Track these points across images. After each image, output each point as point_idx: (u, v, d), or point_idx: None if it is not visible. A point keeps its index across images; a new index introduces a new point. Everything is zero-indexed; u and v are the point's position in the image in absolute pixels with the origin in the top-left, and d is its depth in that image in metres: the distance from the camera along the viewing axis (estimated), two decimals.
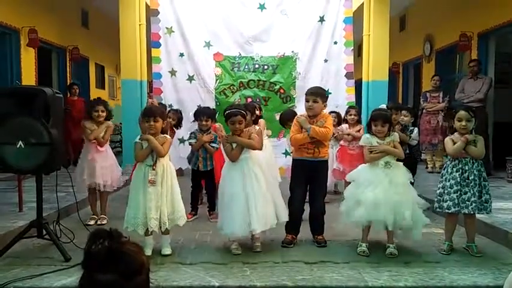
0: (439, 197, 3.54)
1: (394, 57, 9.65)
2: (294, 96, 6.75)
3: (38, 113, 3.20)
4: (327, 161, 3.83)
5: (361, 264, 3.21)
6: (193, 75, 6.75)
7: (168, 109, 5.72)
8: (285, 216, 3.60)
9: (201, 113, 4.78)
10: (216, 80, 6.76)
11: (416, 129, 4.68)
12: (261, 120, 5.24)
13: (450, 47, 8.47)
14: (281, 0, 6.76)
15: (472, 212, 3.41)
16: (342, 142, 5.53)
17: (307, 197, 3.87)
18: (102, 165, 4.36)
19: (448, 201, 3.43)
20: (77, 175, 4.36)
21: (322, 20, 6.80)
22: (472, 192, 3.38)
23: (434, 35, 9.17)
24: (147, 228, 3.34)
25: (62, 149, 3.41)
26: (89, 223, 4.28)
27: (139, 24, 7.11)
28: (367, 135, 3.63)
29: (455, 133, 3.52)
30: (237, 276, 2.96)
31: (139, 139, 3.46)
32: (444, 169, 3.58)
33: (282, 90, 6.72)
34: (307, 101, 3.72)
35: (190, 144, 4.77)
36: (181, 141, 6.45)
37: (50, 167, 3.28)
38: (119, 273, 1.12)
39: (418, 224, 3.45)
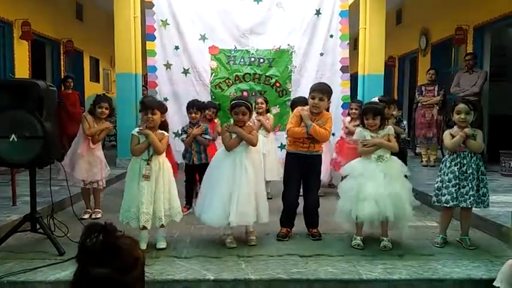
0: (437, 191, 3.53)
1: (390, 51, 9.64)
2: (290, 89, 6.74)
3: (31, 106, 3.17)
4: (321, 155, 3.83)
5: (356, 257, 3.22)
6: (188, 69, 6.72)
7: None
8: (265, 218, 3.54)
9: (191, 106, 4.75)
10: (212, 73, 6.73)
11: (405, 122, 4.69)
12: (270, 116, 5.26)
13: (446, 41, 8.46)
14: None
15: (470, 206, 3.43)
16: (341, 134, 5.54)
17: (302, 191, 3.87)
18: (89, 161, 4.31)
19: (447, 195, 3.43)
20: (64, 165, 4.31)
21: (318, 13, 6.78)
22: (470, 186, 3.39)
23: (430, 28, 9.16)
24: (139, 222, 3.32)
25: (55, 143, 3.38)
26: (83, 217, 4.26)
27: (134, 17, 7.05)
28: (361, 129, 3.62)
29: (454, 126, 3.52)
30: (232, 270, 2.96)
31: (138, 132, 3.43)
32: (443, 163, 3.58)
33: (278, 84, 6.71)
34: (312, 98, 3.63)
35: (182, 140, 4.75)
36: (177, 134, 6.43)
37: (44, 160, 3.26)
38: (113, 268, 1.11)
39: (404, 219, 3.44)
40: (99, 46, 11.14)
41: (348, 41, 6.89)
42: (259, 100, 5.30)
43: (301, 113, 3.70)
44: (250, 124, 3.65)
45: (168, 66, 6.73)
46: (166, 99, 6.49)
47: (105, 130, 4.43)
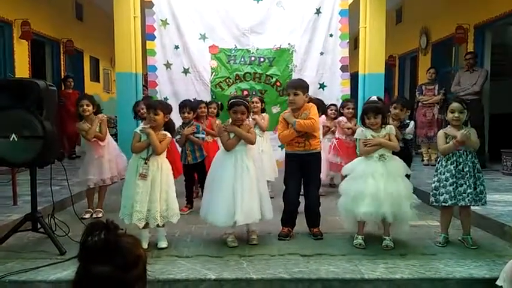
0: (434, 191, 3.53)
1: (390, 50, 9.63)
2: None
3: (31, 105, 3.16)
4: (319, 153, 3.81)
5: (358, 256, 3.22)
6: (188, 68, 6.71)
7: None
8: (269, 215, 3.55)
9: (184, 106, 4.74)
10: (212, 72, 6.72)
11: (412, 123, 4.66)
12: (265, 115, 5.25)
13: (446, 40, 8.45)
14: None
15: (468, 204, 3.42)
16: (337, 134, 5.51)
17: (302, 190, 3.86)
18: (109, 159, 4.38)
19: (445, 194, 3.43)
20: (80, 174, 4.34)
21: (318, 12, 6.77)
22: (467, 184, 3.38)
23: (431, 27, 9.15)
24: (146, 222, 3.32)
25: (56, 142, 3.38)
26: (84, 216, 4.25)
27: (134, 17, 7.03)
28: (362, 128, 3.61)
29: (448, 126, 3.52)
30: (233, 269, 2.95)
31: (140, 130, 3.42)
32: (438, 162, 3.57)
33: (278, 83, 6.70)
34: (288, 95, 3.67)
35: (176, 141, 4.75)
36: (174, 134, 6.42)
37: (44, 160, 3.25)
38: (115, 266, 1.11)
39: (405, 218, 3.43)
40: (99, 46, 11.12)
41: (348, 40, 6.88)
42: (255, 99, 5.29)
43: (283, 115, 3.73)
44: (247, 123, 3.63)
45: (168, 65, 6.72)
46: (166, 99, 6.47)
47: (102, 123, 4.39)
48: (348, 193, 3.49)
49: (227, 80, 6.73)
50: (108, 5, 7.22)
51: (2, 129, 3.14)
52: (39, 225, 3.34)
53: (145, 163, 3.34)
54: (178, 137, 4.66)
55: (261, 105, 5.21)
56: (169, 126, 3.57)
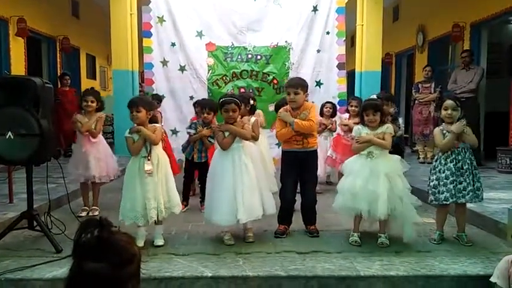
0: (433, 189, 3.52)
1: (387, 48, 9.64)
2: None
3: (27, 103, 3.15)
4: (316, 151, 3.83)
5: (353, 253, 3.23)
6: (185, 65, 6.71)
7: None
8: (272, 209, 3.57)
9: (205, 105, 4.66)
10: (209, 70, 6.72)
11: (400, 119, 4.68)
12: (259, 111, 5.23)
13: (443, 38, 8.47)
14: None
15: (469, 202, 3.44)
16: (338, 130, 5.53)
17: (299, 188, 3.87)
18: (97, 157, 4.33)
19: (445, 193, 3.43)
20: (70, 168, 4.32)
21: (315, 9, 6.78)
22: (467, 181, 3.40)
23: (427, 25, 9.17)
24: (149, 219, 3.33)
25: (52, 140, 3.37)
26: (81, 214, 4.25)
27: (130, 14, 7.04)
28: (359, 126, 3.63)
29: (443, 123, 3.53)
30: (229, 267, 2.96)
31: (129, 133, 3.42)
32: (436, 161, 3.57)
33: (275, 81, 6.71)
34: (288, 93, 3.66)
35: (188, 133, 4.69)
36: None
37: (41, 158, 3.24)
38: (108, 263, 1.11)
39: (407, 219, 3.42)
40: (96, 43, 11.10)
41: (345, 38, 6.90)
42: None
43: (279, 114, 3.73)
44: (242, 119, 3.64)
45: (164, 63, 6.71)
46: (163, 96, 6.48)
47: (99, 121, 4.38)
48: (341, 190, 3.54)
49: (224, 78, 6.73)
50: (105, 2, 7.21)
51: None
52: (35, 223, 3.33)
53: (148, 159, 3.35)
54: (192, 131, 4.59)
55: (253, 103, 5.16)
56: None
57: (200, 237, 3.63)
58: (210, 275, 2.83)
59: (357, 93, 7.16)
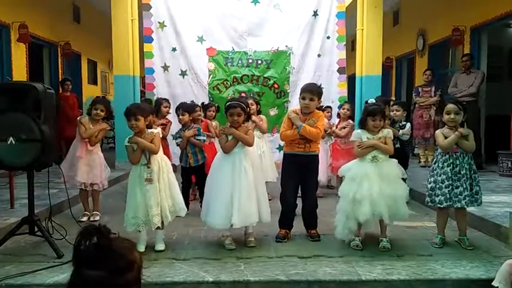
0: (430, 192, 3.54)
1: (387, 52, 9.66)
2: (288, 91, 6.75)
3: (29, 109, 3.16)
4: (317, 155, 3.83)
5: (355, 258, 3.22)
6: (186, 70, 6.73)
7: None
8: (267, 217, 3.55)
9: (178, 108, 4.78)
10: (209, 75, 6.74)
11: (408, 124, 4.68)
12: (263, 117, 5.26)
13: (443, 42, 8.49)
14: None
15: (464, 206, 3.44)
16: (333, 137, 5.55)
17: (300, 192, 3.87)
18: (89, 164, 4.32)
19: (440, 196, 3.44)
20: (64, 169, 4.30)
21: (315, 14, 6.80)
22: (464, 186, 3.40)
23: (427, 29, 9.19)
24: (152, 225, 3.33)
25: (53, 146, 3.38)
26: (82, 219, 4.25)
27: (132, 19, 7.06)
28: (359, 130, 3.63)
29: (445, 126, 3.54)
30: (231, 271, 2.96)
31: (129, 142, 3.42)
32: (435, 163, 3.58)
33: (276, 85, 6.72)
34: (303, 98, 3.65)
35: (177, 144, 4.76)
36: (175, 137, 6.42)
37: (42, 163, 3.25)
38: (107, 270, 1.11)
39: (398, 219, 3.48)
40: (97, 48, 11.14)
41: (345, 43, 6.92)
42: (250, 101, 5.28)
43: (289, 115, 3.73)
44: (246, 124, 3.64)
45: (165, 68, 6.74)
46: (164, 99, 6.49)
47: (102, 131, 4.42)
48: (346, 197, 3.48)
49: (225, 82, 6.74)
50: (106, 8, 7.24)
51: None
52: (36, 229, 3.33)
53: (148, 167, 3.35)
54: (179, 140, 4.67)
55: (257, 107, 5.22)
56: (149, 125, 3.55)
57: (201, 242, 3.63)
58: (211, 279, 2.83)
59: (357, 98, 7.17)
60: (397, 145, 4.19)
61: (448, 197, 3.42)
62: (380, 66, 7.26)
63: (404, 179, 3.60)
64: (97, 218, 4.39)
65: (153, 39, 6.73)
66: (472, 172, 3.45)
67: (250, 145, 3.56)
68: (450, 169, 3.43)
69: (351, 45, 10.38)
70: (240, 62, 6.77)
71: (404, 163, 3.94)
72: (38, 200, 3.78)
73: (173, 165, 5.26)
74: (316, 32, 6.82)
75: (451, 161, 3.44)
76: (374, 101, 4.13)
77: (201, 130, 4.73)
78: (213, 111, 5.34)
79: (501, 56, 8.33)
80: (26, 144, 3.14)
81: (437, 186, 3.47)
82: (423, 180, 5.66)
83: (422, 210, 4.52)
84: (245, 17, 6.75)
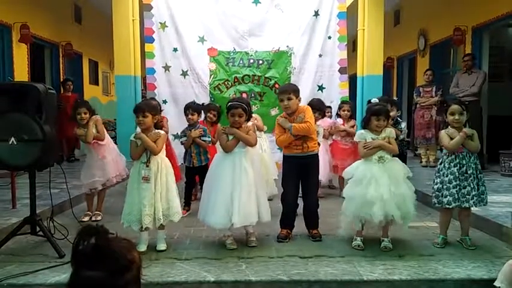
0: (437, 193, 3.51)
1: (388, 52, 9.66)
2: None
3: (30, 109, 3.17)
4: (317, 155, 3.82)
5: (356, 258, 3.22)
6: (187, 71, 6.74)
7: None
8: (267, 217, 3.54)
9: (187, 108, 4.76)
10: (211, 75, 6.75)
11: (404, 123, 4.67)
12: (256, 115, 5.24)
13: (444, 41, 8.48)
14: None
15: (473, 206, 3.44)
16: (334, 136, 5.52)
17: (301, 192, 3.86)
18: (112, 158, 4.41)
19: (448, 197, 3.42)
20: (84, 177, 4.32)
21: (316, 14, 6.80)
22: (472, 186, 3.39)
23: (429, 29, 9.18)
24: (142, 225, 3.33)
25: (55, 146, 3.39)
26: (83, 219, 4.25)
27: (133, 20, 7.07)
28: (362, 130, 3.61)
29: (449, 127, 3.53)
30: (232, 271, 2.96)
31: (134, 137, 3.43)
32: (441, 164, 3.56)
33: (277, 86, 6.72)
34: (281, 100, 3.67)
35: (182, 143, 4.76)
36: (176, 137, 6.42)
37: (43, 163, 3.26)
38: (105, 271, 1.11)
39: (406, 219, 3.45)
40: (98, 49, 11.14)
41: (346, 43, 6.91)
42: None
43: (278, 121, 3.75)
44: (247, 125, 3.63)
45: (166, 68, 6.74)
46: (165, 102, 6.51)
47: (97, 123, 4.38)
48: (353, 198, 3.44)
49: (226, 83, 6.75)
50: (107, 8, 7.25)
51: (1, 133, 3.14)
52: (38, 229, 3.34)
53: (147, 166, 3.36)
54: (184, 139, 4.67)
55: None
56: (159, 126, 3.57)
57: (202, 242, 3.63)
58: (212, 279, 2.83)
59: (358, 98, 7.17)
60: None
61: (457, 197, 3.40)
62: (381, 66, 7.26)
63: (408, 177, 3.58)
64: (99, 218, 4.39)
65: (154, 40, 6.74)
66: (478, 172, 3.44)
67: (252, 145, 3.55)
68: (457, 169, 3.42)
69: (352, 46, 10.37)
70: (241, 62, 6.77)
71: (402, 162, 3.92)
72: (40, 200, 3.79)
73: (178, 168, 5.28)
74: (317, 32, 6.82)
75: (457, 161, 3.43)
76: (377, 100, 4.12)
77: (208, 132, 4.72)
78: (214, 115, 5.09)
79: (503, 56, 8.31)
80: (27, 145, 3.15)
81: (445, 186, 3.45)
82: (425, 180, 5.67)
83: (424, 210, 4.51)
84: (246, 17, 6.75)
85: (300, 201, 3.86)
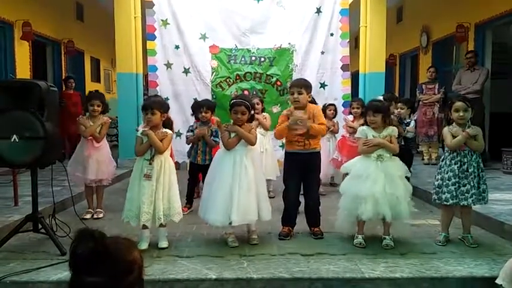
0: (437, 189, 3.53)
1: (391, 49, 9.62)
2: None
3: (32, 106, 3.17)
4: (319, 152, 3.82)
5: (358, 255, 3.22)
6: (189, 68, 6.74)
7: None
8: (267, 216, 3.54)
9: (202, 105, 4.71)
10: (212, 72, 6.74)
11: (413, 122, 4.65)
12: (266, 115, 5.25)
13: (447, 38, 8.44)
14: None
15: (472, 204, 3.43)
16: (343, 132, 5.52)
17: (302, 190, 3.86)
18: (98, 160, 4.34)
19: (447, 193, 3.43)
20: (69, 168, 4.32)
21: (318, 11, 6.78)
22: (472, 184, 3.38)
23: (431, 26, 9.14)
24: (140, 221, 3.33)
25: (57, 143, 3.39)
26: (85, 217, 4.26)
27: (135, 17, 7.06)
28: (364, 127, 3.61)
29: (453, 124, 3.51)
30: (234, 269, 2.96)
31: (141, 133, 3.43)
32: (442, 161, 3.56)
33: (278, 83, 6.72)
34: (291, 93, 3.67)
35: (187, 137, 4.73)
36: (178, 134, 6.43)
37: (45, 161, 3.26)
38: (106, 276, 1.09)
39: (400, 217, 3.44)
40: (100, 46, 11.14)
41: (348, 40, 6.90)
42: (255, 100, 5.27)
43: (287, 114, 3.69)
44: (250, 123, 3.63)
45: (168, 65, 6.74)
46: (167, 99, 6.50)
47: (105, 126, 4.39)
48: (348, 194, 3.50)
49: (228, 80, 6.74)
50: (109, 6, 7.25)
51: (3, 130, 3.14)
52: (40, 226, 3.35)
53: (150, 163, 3.36)
54: (190, 134, 4.64)
55: (261, 106, 5.22)
56: (166, 123, 3.57)
57: (204, 239, 3.64)
58: (214, 277, 2.83)
59: (361, 95, 7.14)
60: (401, 143, 4.17)
61: (455, 194, 3.40)
62: (383, 63, 7.24)
63: (407, 178, 3.58)
64: (100, 215, 4.40)
65: (156, 37, 6.74)
66: (480, 170, 3.43)
67: (253, 144, 3.55)
68: (457, 167, 3.41)
69: (354, 43, 10.34)
70: (242, 59, 6.76)
71: (408, 161, 3.92)
72: (42, 198, 3.80)
73: (176, 163, 5.28)
74: (320, 29, 6.80)
75: (458, 158, 3.43)
76: (381, 97, 4.10)
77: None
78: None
79: (506, 53, 8.26)
80: (29, 142, 3.15)
81: (444, 183, 3.45)
82: (427, 177, 5.66)
83: (426, 207, 4.51)
84: (248, 14, 6.74)
85: (302, 199, 3.85)
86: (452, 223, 3.62)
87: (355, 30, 7.74)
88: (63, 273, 2.84)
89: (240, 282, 2.81)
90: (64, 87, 8.26)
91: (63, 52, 9.12)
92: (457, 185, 3.41)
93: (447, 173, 3.46)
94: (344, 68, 6.85)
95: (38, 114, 3.16)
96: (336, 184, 5.88)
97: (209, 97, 6.45)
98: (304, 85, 3.69)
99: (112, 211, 4.41)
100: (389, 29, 7.35)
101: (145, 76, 7.77)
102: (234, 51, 6.77)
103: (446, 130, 3.54)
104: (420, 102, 7.57)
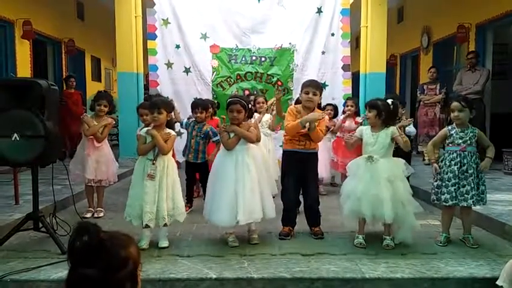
0: (436, 189, 3.54)
1: (391, 49, 9.62)
2: (291, 88, 6.75)
3: (33, 105, 3.17)
4: (316, 153, 3.82)
5: (358, 255, 3.22)
6: (189, 68, 6.74)
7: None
8: (272, 213, 3.54)
9: (197, 105, 4.74)
10: (213, 72, 6.74)
11: (411, 120, 4.65)
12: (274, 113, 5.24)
13: (448, 39, 8.44)
14: None
15: (472, 205, 3.43)
16: (338, 133, 5.52)
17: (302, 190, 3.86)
18: (98, 160, 4.32)
19: (446, 194, 3.43)
20: (71, 166, 4.33)
21: (319, 11, 6.78)
22: (471, 185, 3.38)
23: (432, 26, 9.14)
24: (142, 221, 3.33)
25: (57, 142, 3.38)
26: (86, 216, 4.26)
27: (135, 16, 7.06)
28: (363, 126, 3.65)
29: (453, 124, 3.54)
30: (234, 268, 2.96)
31: (145, 133, 3.42)
32: (442, 161, 3.56)
33: (279, 83, 6.72)
34: (306, 93, 3.66)
35: (186, 129, 4.73)
36: (178, 134, 6.42)
37: (46, 159, 3.26)
38: (99, 268, 1.14)
39: (405, 224, 3.40)
40: (101, 45, 11.15)
41: (349, 40, 6.89)
42: (260, 99, 5.29)
43: (295, 109, 3.71)
44: (249, 122, 3.63)
45: (169, 65, 6.74)
46: (167, 98, 6.49)
47: (108, 126, 4.39)
48: (344, 193, 3.56)
49: (228, 80, 6.74)
50: (110, 5, 7.24)
51: (4, 129, 3.14)
52: (40, 225, 3.35)
53: (153, 163, 3.35)
54: (189, 125, 4.65)
55: (266, 105, 5.23)
56: (170, 124, 3.57)
57: (204, 239, 3.63)
58: (214, 276, 2.83)
59: (361, 95, 7.14)
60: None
61: (454, 195, 3.40)
62: (384, 64, 7.23)
63: (407, 177, 3.57)
64: (101, 214, 4.39)
65: (156, 36, 6.74)
66: (479, 171, 3.43)
67: (253, 142, 3.54)
68: (457, 168, 3.42)
69: (354, 43, 10.35)
70: (243, 59, 6.76)
71: (406, 161, 3.90)
72: (43, 196, 3.80)
73: (177, 162, 5.28)
74: (320, 29, 6.80)
75: (458, 159, 3.43)
76: (390, 101, 4.09)
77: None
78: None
79: (507, 54, 8.27)
80: (30, 141, 3.15)
81: (444, 184, 3.46)
82: (427, 178, 5.64)
83: (427, 208, 4.50)
84: (249, 14, 6.74)
85: (302, 199, 3.85)
86: (453, 223, 3.62)
87: (356, 30, 7.74)
88: (64, 272, 2.84)
89: (240, 282, 2.81)
90: (65, 86, 8.26)
91: (63, 51, 9.12)
92: (456, 185, 3.41)
93: (447, 174, 3.46)
94: (345, 68, 6.85)
95: (39, 112, 3.16)
96: (336, 184, 5.88)
97: (210, 97, 6.46)
98: (320, 87, 3.78)
99: (113, 210, 4.41)
100: (390, 29, 7.35)
101: (146, 75, 7.77)
102: (234, 50, 6.77)
103: (444, 130, 3.60)
104: (421, 103, 7.57)
